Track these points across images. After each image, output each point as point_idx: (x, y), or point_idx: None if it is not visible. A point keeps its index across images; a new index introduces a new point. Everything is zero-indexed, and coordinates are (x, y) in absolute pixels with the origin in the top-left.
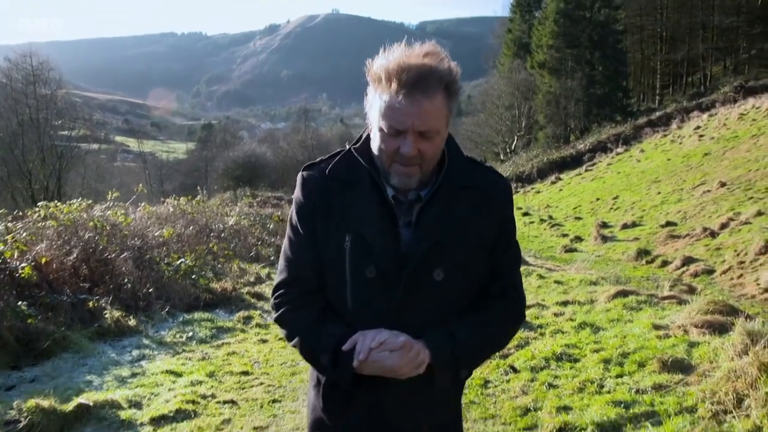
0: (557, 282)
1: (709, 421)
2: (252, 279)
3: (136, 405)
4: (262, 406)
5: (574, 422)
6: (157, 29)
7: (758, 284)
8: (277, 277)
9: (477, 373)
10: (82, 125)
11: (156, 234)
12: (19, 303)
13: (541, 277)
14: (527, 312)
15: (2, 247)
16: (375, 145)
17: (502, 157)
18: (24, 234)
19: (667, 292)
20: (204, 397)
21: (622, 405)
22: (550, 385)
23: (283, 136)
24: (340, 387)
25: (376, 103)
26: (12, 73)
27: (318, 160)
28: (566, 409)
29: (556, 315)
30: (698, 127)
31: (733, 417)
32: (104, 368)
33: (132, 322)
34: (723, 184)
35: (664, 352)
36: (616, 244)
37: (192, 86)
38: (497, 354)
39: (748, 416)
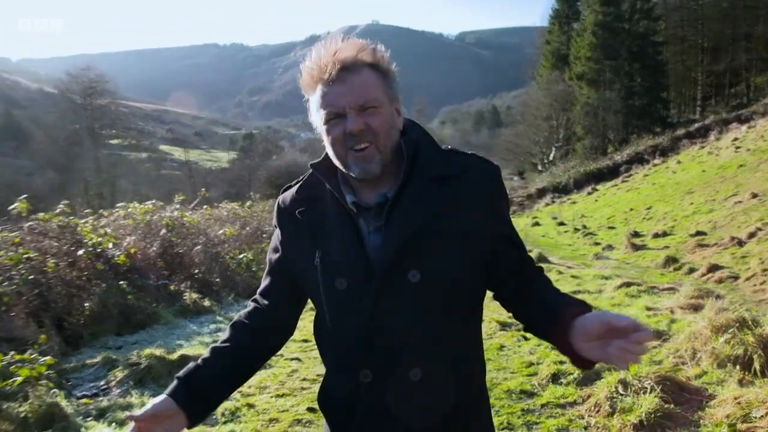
0: (574, 277)
1: (669, 369)
2: None
3: None
4: (321, 362)
5: (566, 370)
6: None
7: None
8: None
9: (494, 339)
10: (133, 135)
11: (219, 233)
12: (120, 283)
13: (560, 272)
14: None
15: (100, 238)
16: (328, 143)
17: (539, 168)
18: (110, 230)
19: (666, 285)
20: (274, 355)
21: None
22: (553, 349)
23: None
24: (338, 385)
25: (314, 106)
26: (72, 86)
27: (294, 182)
28: (562, 362)
29: None
30: (736, 139)
31: (688, 366)
32: (189, 336)
33: (207, 303)
34: (755, 195)
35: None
36: (646, 252)
37: (234, 96)
38: (513, 326)
39: (698, 365)
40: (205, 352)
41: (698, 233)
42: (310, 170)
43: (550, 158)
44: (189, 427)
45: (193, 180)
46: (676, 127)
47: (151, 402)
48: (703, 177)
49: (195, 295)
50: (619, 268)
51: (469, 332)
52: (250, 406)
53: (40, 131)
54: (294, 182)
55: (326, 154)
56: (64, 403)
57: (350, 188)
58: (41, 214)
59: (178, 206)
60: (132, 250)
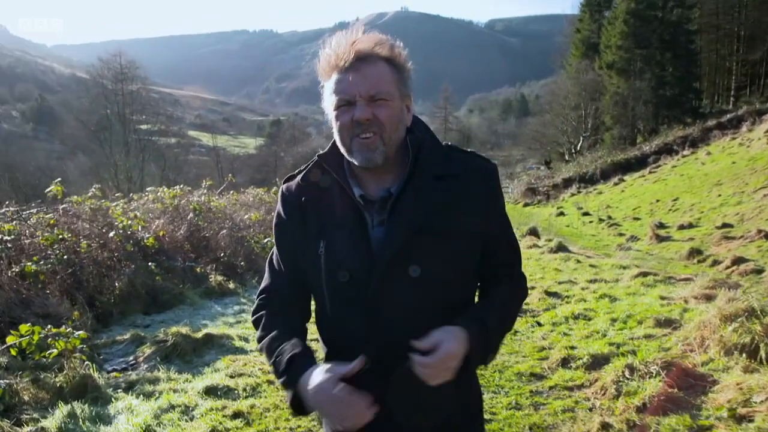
0: (592, 266)
1: (677, 355)
2: None
3: (244, 339)
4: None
5: (576, 354)
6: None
7: None
8: (263, 282)
9: None
10: (162, 120)
11: (245, 217)
12: (149, 264)
13: (578, 261)
14: (560, 287)
15: (130, 221)
16: (335, 128)
17: (566, 158)
18: (139, 213)
19: (683, 276)
20: None
21: (615, 345)
22: (565, 334)
23: None
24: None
25: (327, 91)
26: (104, 71)
27: (297, 171)
28: (573, 347)
29: (583, 289)
30: None
31: (695, 353)
32: (214, 317)
33: (231, 285)
34: None
35: (660, 314)
36: (670, 244)
37: (262, 83)
38: (528, 312)
39: (706, 352)
40: (276, 338)
41: (724, 225)
42: (314, 159)
43: (578, 148)
44: None
45: (221, 165)
46: (707, 118)
47: (322, 370)
48: (732, 169)
49: (220, 278)
50: (641, 259)
51: None
52: (270, 382)
53: (71, 116)
54: (296, 171)
55: (333, 143)
56: (96, 375)
57: (356, 180)
58: (75, 197)
59: (205, 191)
60: (161, 233)
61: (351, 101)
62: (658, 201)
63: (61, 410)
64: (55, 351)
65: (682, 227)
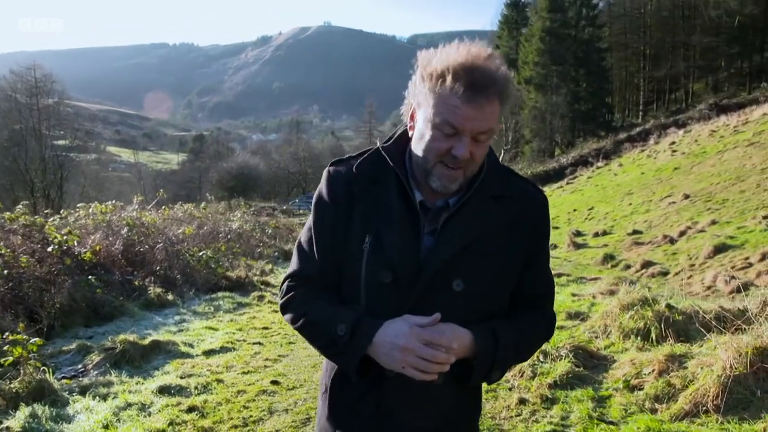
0: None
1: (584, 341)
2: (258, 272)
3: (189, 345)
4: (281, 345)
5: None
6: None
7: (703, 283)
8: (291, 267)
9: None
10: (80, 136)
11: (178, 232)
12: (89, 277)
13: None
14: None
15: (64, 236)
16: (423, 143)
17: None
18: (72, 229)
19: (592, 276)
20: (238, 341)
21: None
22: None
23: (275, 147)
24: (345, 385)
25: (430, 99)
26: (16, 85)
27: (347, 156)
28: None
29: None
30: (673, 143)
31: (599, 339)
32: (156, 327)
33: (170, 296)
34: (687, 196)
35: (571, 308)
36: (587, 251)
37: (183, 97)
38: None
39: (608, 337)
40: (325, 307)
41: (635, 232)
42: (373, 148)
43: (500, 161)
44: None
45: (143, 182)
46: (618, 131)
47: (399, 321)
48: (641, 179)
49: (158, 290)
50: (559, 265)
51: None
52: (219, 381)
53: None
54: (347, 156)
55: (397, 139)
56: (51, 379)
57: (416, 183)
58: (7, 213)
59: (136, 207)
60: (97, 248)
61: (458, 132)
62: (575, 210)
63: (23, 411)
64: (11, 358)
65: (597, 234)
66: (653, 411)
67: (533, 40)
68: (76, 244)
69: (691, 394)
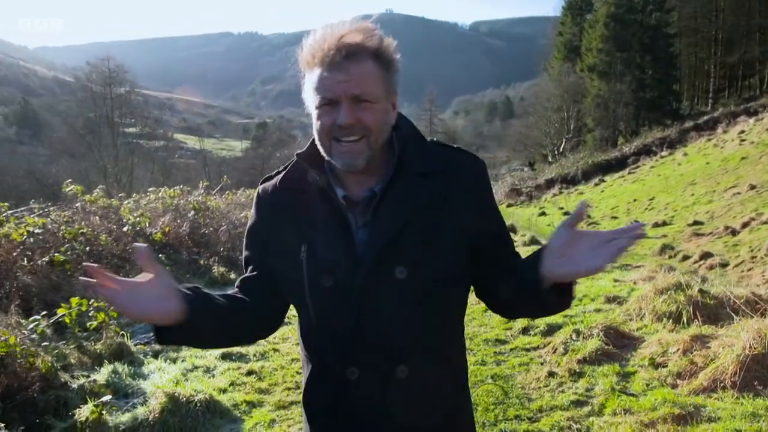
0: None
1: (618, 322)
2: None
3: None
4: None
5: (535, 324)
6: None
7: (764, 275)
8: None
9: (480, 304)
10: (149, 124)
11: (240, 216)
12: (159, 255)
13: None
14: None
15: (137, 218)
16: (315, 129)
17: (550, 159)
18: (144, 212)
19: (637, 264)
20: (293, 316)
21: (569, 317)
22: None
23: None
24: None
25: (309, 85)
26: (92, 75)
27: (274, 171)
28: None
29: None
30: (742, 131)
31: (633, 321)
32: None
33: (232, 275)
34: (753, 187)
35: (611, 293)
36: (645, 241)
37: (247, 85)
38: None
39: (641, 320)
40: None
41: (695, 223)
42: (293, 159)
43: (561, 149)
44: (170, 317)
45: (208, 168)
46: (685, 120)
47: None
48: (706, 169)
49: (222, 269)
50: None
51: (454, 330)
52: (276, 350)
53: (56, 119)
54: (275, 172)
55: (312, 142)
56: (129, 342)
57: (338, 181)
58: (88, 196)
59: (202, 191)
60: (166, 229)
61: (334, 101)
62: (635, 200)
63: (107, 368)
64: (95, 323)
65: (656, 225)
66: (674, 386)
67: (597, 26)
68: (147, 225)
69: (711, 372)
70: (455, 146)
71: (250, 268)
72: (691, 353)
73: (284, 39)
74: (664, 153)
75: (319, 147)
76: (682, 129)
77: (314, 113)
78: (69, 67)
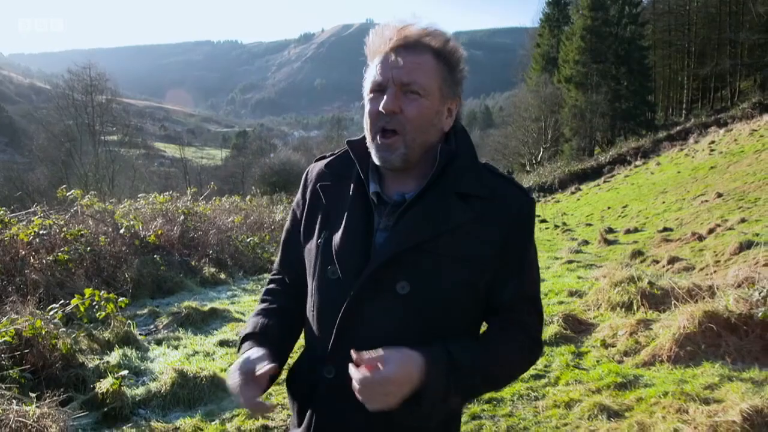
0: None
1: (578, 312)
2: None
3: (241, 313)
4: None
5: None
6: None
7: (725, 279)
8: (277, 258)
9: None
10: (130, 132)
11: (228, 220)
12: (154, 256)
13: None
14: None
15: (131, 222)
16: (364, 121)
17: (528, 169)
18: (136, 216)
19: (601, 264)
20: None
21: None
22: None
23: (316, 144)
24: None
25: (367, 74)
26: (73, 84)
27: (329, 153)
28: None
29: None
30: (713, 142)
31: (590, 311)
32: (211, 300)
33: (222, 276)
34: (719, 195)
35: (573, 288)
36: (617, 247)
37: (226, 94)
38: None
39: (598, 310)
40: (257, 317)
41: (665, 229)
42: (346, 147)
43: (538, 159)
44: (276, 375)
45: (188, 177)
46: (659, 130)
47: (244, 357)
48: (677, 178)
49: (212, 269)
50: (590, 261)
51: None
52: None
53: (32, 126)
54: (329, 153)
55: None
56: (135, 331)
57: (378, 176)
58: (84, 200)
59: (190, 198)
60: (159, 232)
61: (383, 86)
62: (609, 208)
63: (117, 352)
64: (104, 312)
65: (628, 231)
66: (620, 362)
67: (574, 38)
68: (140, 228)
69: (651, 349)
70: (508, 176)
71: (286, 241)
72: (636, 334)
73: (264, 48)
74: (638, 162)
75: (367, 137)
76: (655, 139)
77: (366, 100)
78: (46, 74)
